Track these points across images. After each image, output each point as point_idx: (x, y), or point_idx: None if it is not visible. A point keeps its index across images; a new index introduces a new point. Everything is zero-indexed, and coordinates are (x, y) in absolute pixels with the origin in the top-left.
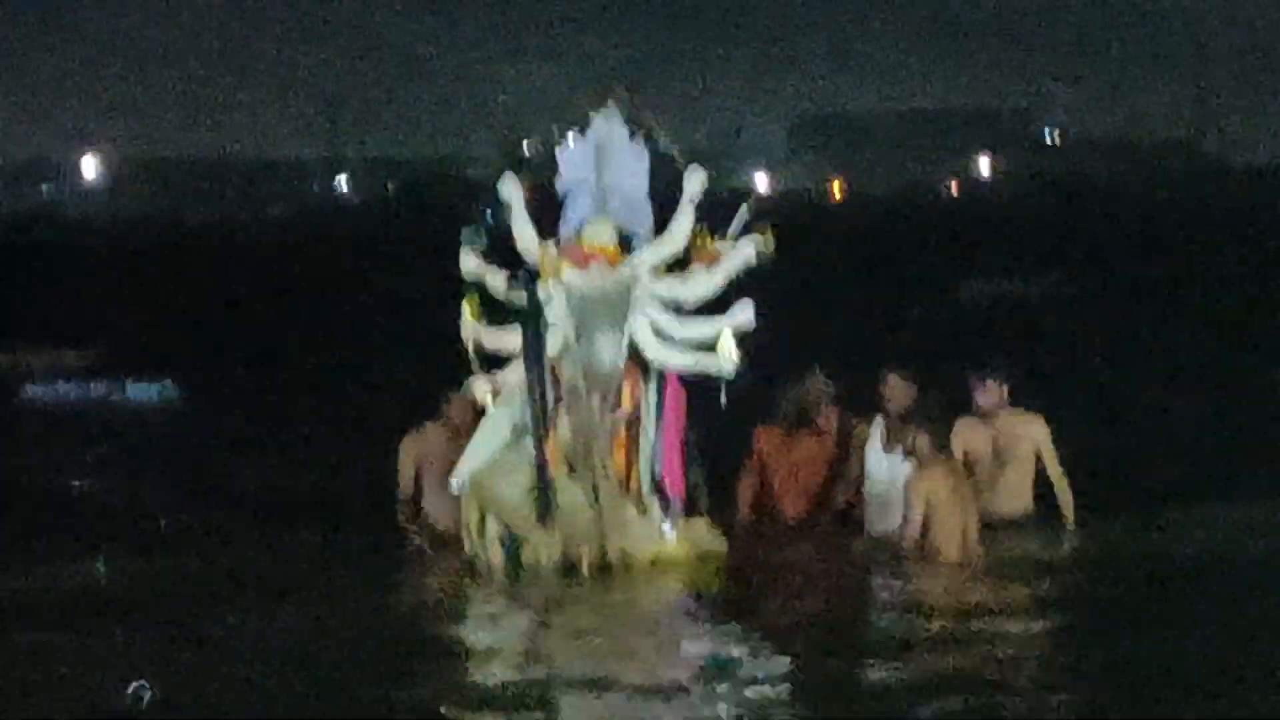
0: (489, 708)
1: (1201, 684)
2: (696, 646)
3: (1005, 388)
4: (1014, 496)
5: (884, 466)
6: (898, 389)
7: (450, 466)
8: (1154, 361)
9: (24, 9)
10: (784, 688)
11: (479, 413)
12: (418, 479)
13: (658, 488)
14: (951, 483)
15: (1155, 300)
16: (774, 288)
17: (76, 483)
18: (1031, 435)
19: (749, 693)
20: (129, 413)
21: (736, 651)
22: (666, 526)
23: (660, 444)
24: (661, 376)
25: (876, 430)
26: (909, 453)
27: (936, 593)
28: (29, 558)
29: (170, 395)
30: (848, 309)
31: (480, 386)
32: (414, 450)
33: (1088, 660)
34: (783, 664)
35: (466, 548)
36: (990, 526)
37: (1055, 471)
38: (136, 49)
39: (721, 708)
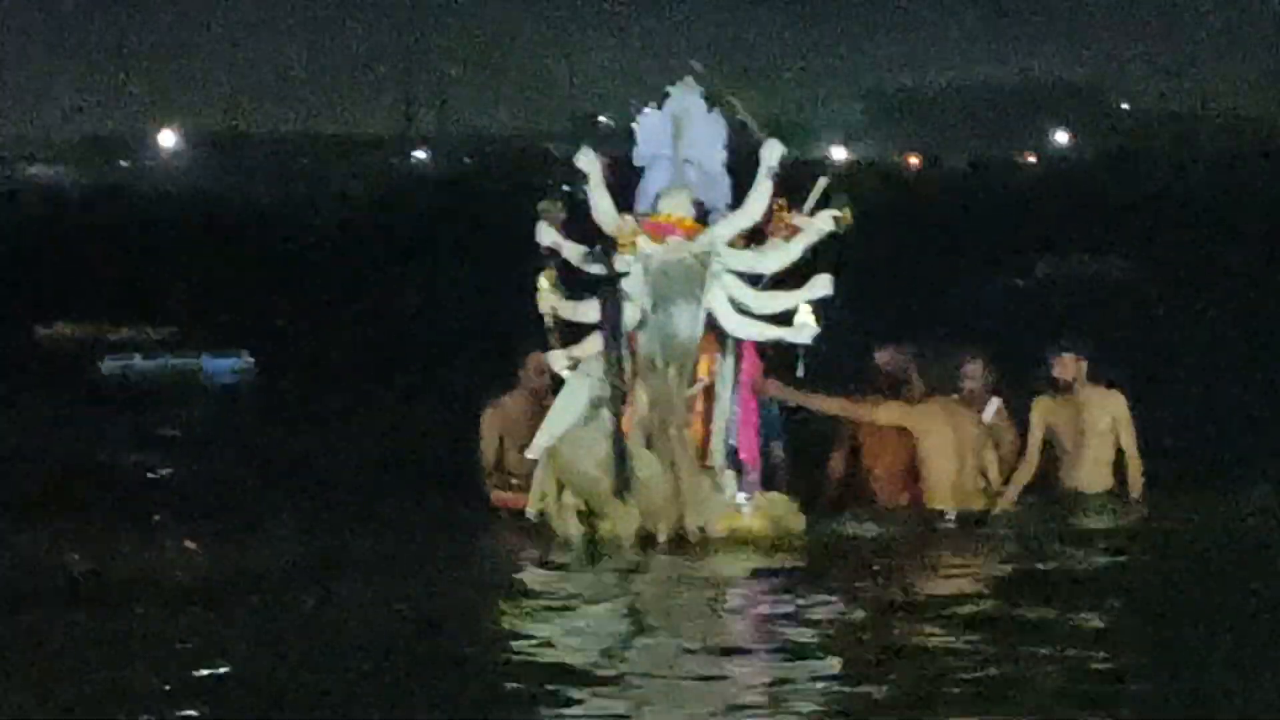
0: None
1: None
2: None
3: (1084, 363)
4: (1095, 472)
5: None
6: (975, 373)
7: (532, 432)
8: (1230, 339)
9: None
10: None
11: (555, 376)
12: (502, 449)
13: (733, 459)
14: (944, 421)
15: (1229, 276)
16: (852, 260)
17: (152, 457)
18: (1110, 410)
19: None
20: (205, 386)
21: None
22: (742, 498)
23: (736, 415)
24: (738, 347)
25: (991, 410)
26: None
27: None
28: (105, 534)
29: (246, 369)
30: (924, 282)
31: (558, 359)
32: (496, 421)
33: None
34: None
35: (531, 513)
36: (1070, 501)
37: (1131, 447)
38: (213, 23)
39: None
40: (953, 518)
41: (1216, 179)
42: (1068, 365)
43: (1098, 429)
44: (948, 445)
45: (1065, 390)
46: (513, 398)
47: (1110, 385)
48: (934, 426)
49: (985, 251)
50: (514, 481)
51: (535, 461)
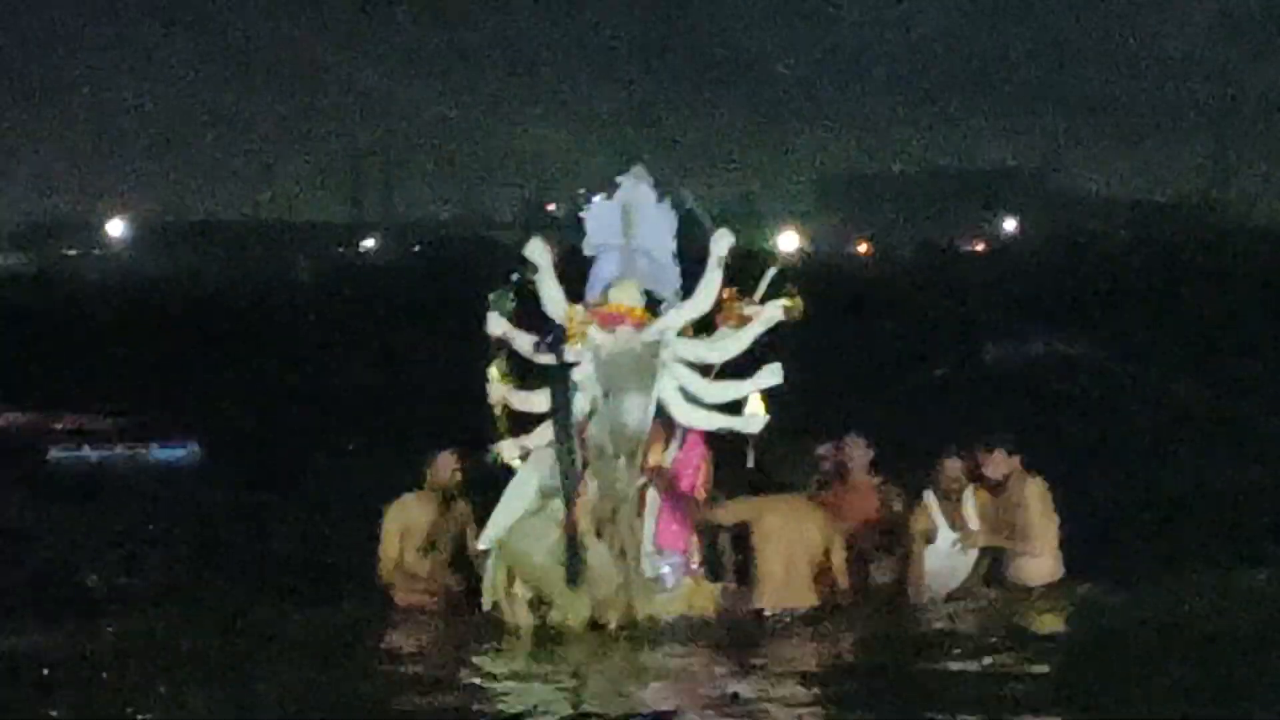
0: None
1: None
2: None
3: (1016, 458)
4: (1040, 564)
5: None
6: (955, 469)
7: (432, 531)
8: (1173, 421)
9: (48, 71)
10: None
11: (464, 475)
12: (401, 548)
13: (657, 543)
14: (779, 518)
15: (1174, 359)
16: (801, 348)
17: (100, 546)
18: (1036, 496)
19: None
20: (154, 475)
21: None
22: (667, 577)
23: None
24: (684, 435)
25: (934, 505)
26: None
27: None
28: (52, 618)
29: (194, 458)
30: (873, 369)
31: (509, 449)
32: (397, 520)
33: None
34: None
35: (486, 604)
36: (1017, 592)
37: (1029, 522)
38: (160, 111)
39: None
40: (776, 616)
41: (1162, 263)
42: (999, 463)
43: (1033, 521)
44: (776, 544)
45: (997, 486)
46: (417, 496)
47: (1034, 471)
48: (767, 523)
49: (936, 337)
50: (417, 586)
51: (433, 563)
